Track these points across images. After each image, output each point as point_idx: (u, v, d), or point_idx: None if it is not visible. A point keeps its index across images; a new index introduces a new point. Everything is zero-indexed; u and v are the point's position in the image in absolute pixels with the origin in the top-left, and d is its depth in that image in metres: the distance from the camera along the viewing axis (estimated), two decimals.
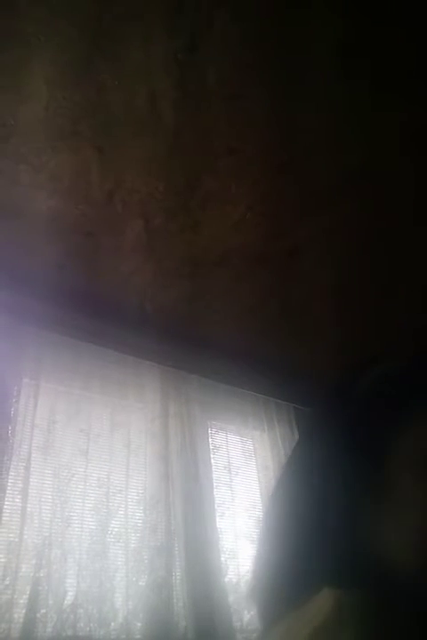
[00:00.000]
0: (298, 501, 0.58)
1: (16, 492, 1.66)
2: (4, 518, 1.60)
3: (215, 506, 2.07)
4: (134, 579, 1.77)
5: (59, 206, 1.65)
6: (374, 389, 0.58)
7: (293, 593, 0.54)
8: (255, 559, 0.64)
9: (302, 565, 0.54)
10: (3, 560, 1.56)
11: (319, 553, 0.53)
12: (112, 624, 1.67)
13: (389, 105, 1.47)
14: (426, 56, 1.37)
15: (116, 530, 1.82)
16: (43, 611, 1.56)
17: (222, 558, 1.98)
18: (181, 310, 2.12)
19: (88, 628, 1.62)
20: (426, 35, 1.32)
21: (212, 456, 2.20)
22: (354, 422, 0.57)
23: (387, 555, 0.50)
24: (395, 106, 1.48)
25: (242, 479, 2.26)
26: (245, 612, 1.92)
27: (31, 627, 1.52)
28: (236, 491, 2.19)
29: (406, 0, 1.25)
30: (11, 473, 1.67)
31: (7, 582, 1.54)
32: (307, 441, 0.65)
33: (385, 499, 0.52)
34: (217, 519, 2.05)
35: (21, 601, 1.55)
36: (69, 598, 1.63)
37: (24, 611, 1.53)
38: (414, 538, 0.50)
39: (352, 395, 0.60)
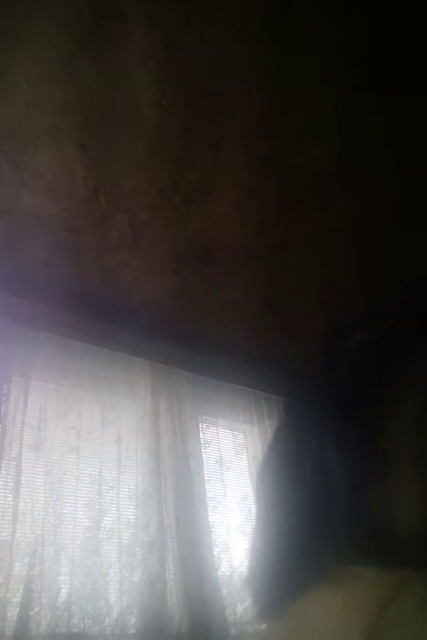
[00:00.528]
0: (291, 483, 0.57)
1: (7, 491, 1.66)
2: None
3: (207, 500, 2.08)
4: (128, 574, 1.77)
5: (42, 203, 1.65)
6: (361, 354, 0.58)
7: (297, 576, 0.53)
8: (250, 548, 0.63)
9: (305, 547, 0.53)
10: None
11: (324, 532, 0.52)
12: (106, 620, 1.68)
13: (376, 101, 1.48)
14: (416, 54, 1.38)
15: (108, 526, 1.83)
16: (36, 608, 1.57)
17: (215, 552, 1.99)
18: (168, 305, 2.13)
19: (82, 625, 1.63)
20: (416, 32, 1.34)
21: (203, 451, 2.21)
22: (343, 390, 0.57)
23: (395, 528, 0.50)
24: (383, 103, 1.48)
25: (233, 473, 2.27)
26: (238, 605, 1.93)
27: (25, 625, 1.52)
28: (227, 485, 2.20)
29: None
30: (2, 472, 1.67)
31: (0, 581, 1.54)
32: (294, 423, 0.64)
33: (384, 470, 0.52)
34: (209, 513, 2.05)
35: (15, 599, 1.55)
36: (63, 595, 1.64)
37: (17, 609, 1.54)
38: (417, 508, 0.50)
39: (339, 364, 0.60)
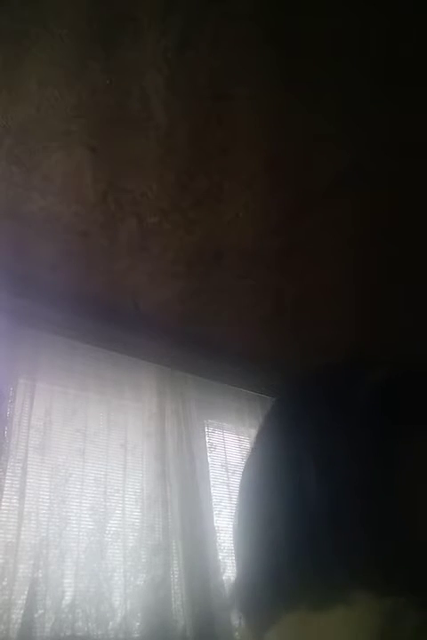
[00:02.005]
0: (293, 489, 0.54)
1: (13, 493, 1.66)
2: (0, 519, 1.61)
3: (213, 504, 2.07)
4: (132, 578, 1.77)
5: (52, 206, 1.65)
6: (372, 395, 0.55)
7: (279, 594, 0.50)
8: (241, 559, 0.60)
9: (289, 563, 0.50)
10: (0, 561, 1.56)
11: (310, 549, 0.49)
12: (110, 623, 1.67)
13: (383, 105, 1.47)
14: (422, 57, 1.37)
15: (113, 529, 1.82)
16: (41, 611, 1.56)
17: (220, 556, 1.98)
18: (176, 309, 2.12)
19: (86, 628, 1.62)
20: (423, 35, 1.32)
21: (208, 454, 2.20)
22: (352, 423, 0.54)
23: (391, 551, 0.47)
24: (389, 106, 1.47)
25: (239, 477, 2.25)
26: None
27: (29, 627, 1.52)
28: (233, 489, 2.19)
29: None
30: (7, 473, 1.66)
31: (5, 583, 1.54)
32: (288, 426, 0.61)
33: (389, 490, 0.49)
34: (214, 517, 2.05)
35: (19, 602, 1.54)
36: (67, 598, 1.63)
37: (22, 611, 1.53)
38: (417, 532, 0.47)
39: (345, 393, 0.57)
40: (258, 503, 0.59)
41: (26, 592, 1.56)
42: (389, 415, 0.52)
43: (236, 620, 1.85)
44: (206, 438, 2.25)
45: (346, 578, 0.47)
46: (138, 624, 1.71)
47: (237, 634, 1.84)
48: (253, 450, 0.64)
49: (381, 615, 0.43)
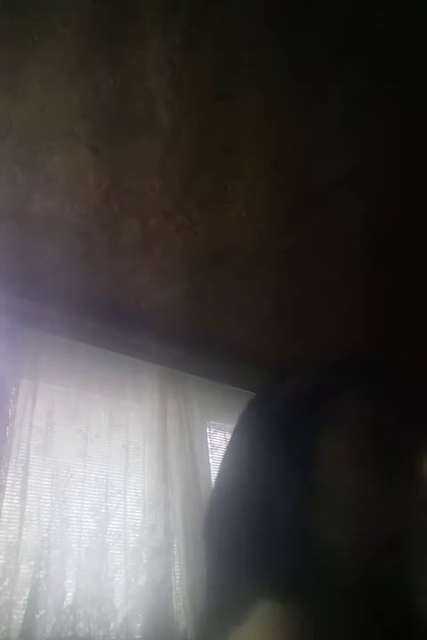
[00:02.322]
0: (235, 503, 0.55)
1: (14, 493, 1.66)
2: (2, 519, 1.60)
3: None
4: (134, 579, 1.77)
5: (55, 207, 1.65)
6: (299, 392, 0.59)
7: (231, 608, 0.52)
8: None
9: (237, 577, 0.52)
10: (2, 561, 1.56)
11: (252, 562, 0.50)
12: (112, 624, 1.67)
13: (386, 105, 1.47)
14: (423, 57, 1.37)
15: (115, 530, 1.82)
16: (42, 612, 1.56)
17: None
18: (179, 310, 2.12)
19: (87, 629, 1.62)
20: (423, 35, 1.33)
21: (210, 455, 2.20)
22: (282, 423, 0.56)
23: (325, 559, 0.48)
24: (392, 106, 1.47)
25: None
26: None
27: (30, 628, 1.52)
28: None
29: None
30: (9, 474, 1.67)
31: (6, 583, 1.54)
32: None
33: (318, 500, 0.50)
34: None
35: (20, 602, 1.55)
36: (69, 599, 1.63)
37: (23, 612, 1.53)
38: (350, 538, 0.48)
39: (279, 394, 0.59)
40: (210, 513, 0.61)
41: (27, 593, 1.56)
42: (305, 421, 0.55)
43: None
44: (208, 439, 2.26)
45: (259, 590, 0.49)
46: (139, 625, 1.71)
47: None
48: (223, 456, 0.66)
49: (272, 619, 0.46)
